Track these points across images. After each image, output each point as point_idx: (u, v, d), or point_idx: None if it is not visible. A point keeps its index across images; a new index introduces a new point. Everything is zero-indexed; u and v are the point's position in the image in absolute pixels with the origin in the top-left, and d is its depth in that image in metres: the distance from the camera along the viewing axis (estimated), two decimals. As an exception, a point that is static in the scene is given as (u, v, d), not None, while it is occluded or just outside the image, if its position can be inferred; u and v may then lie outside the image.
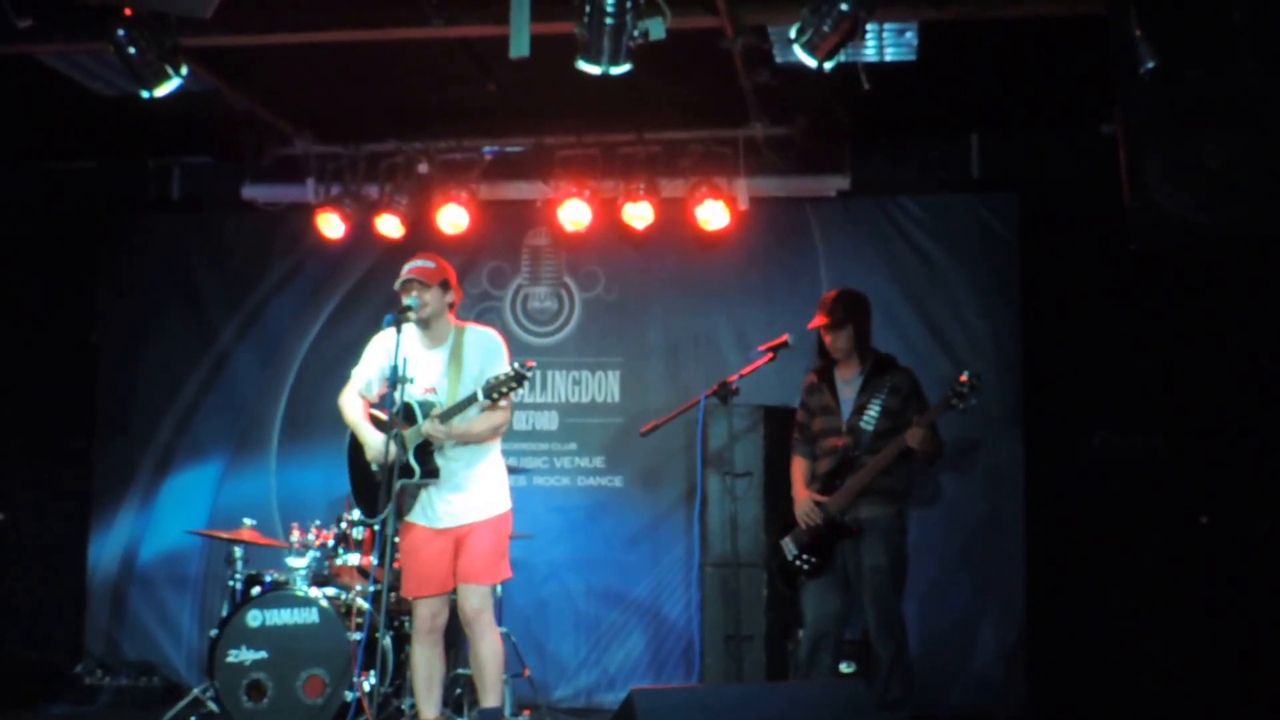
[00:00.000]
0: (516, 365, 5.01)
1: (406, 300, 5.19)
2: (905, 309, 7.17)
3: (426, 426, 5.12)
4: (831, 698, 4.77)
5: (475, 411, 5.21)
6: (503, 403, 5.15)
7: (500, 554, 5.35)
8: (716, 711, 4.44)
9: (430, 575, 5.27)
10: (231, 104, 6.67)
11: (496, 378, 5.02)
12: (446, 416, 5.14)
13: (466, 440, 5.24)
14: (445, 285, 5.31)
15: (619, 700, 5.21)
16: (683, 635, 7.21)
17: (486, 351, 5.30)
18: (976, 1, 5.25)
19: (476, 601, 5.24)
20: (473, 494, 5.30)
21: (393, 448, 5.05)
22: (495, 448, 5.42)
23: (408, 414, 5.16)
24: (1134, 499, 6.61)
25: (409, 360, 5.19)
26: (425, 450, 5.22)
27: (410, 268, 5.27)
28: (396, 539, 6.22)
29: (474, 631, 5.26)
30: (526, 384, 5.04)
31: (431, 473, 5.22)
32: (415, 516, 5.31)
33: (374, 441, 5.28)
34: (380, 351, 5.41)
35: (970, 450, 6.95)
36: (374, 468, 5.31)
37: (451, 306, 5.39)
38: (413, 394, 5.21)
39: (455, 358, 5.29)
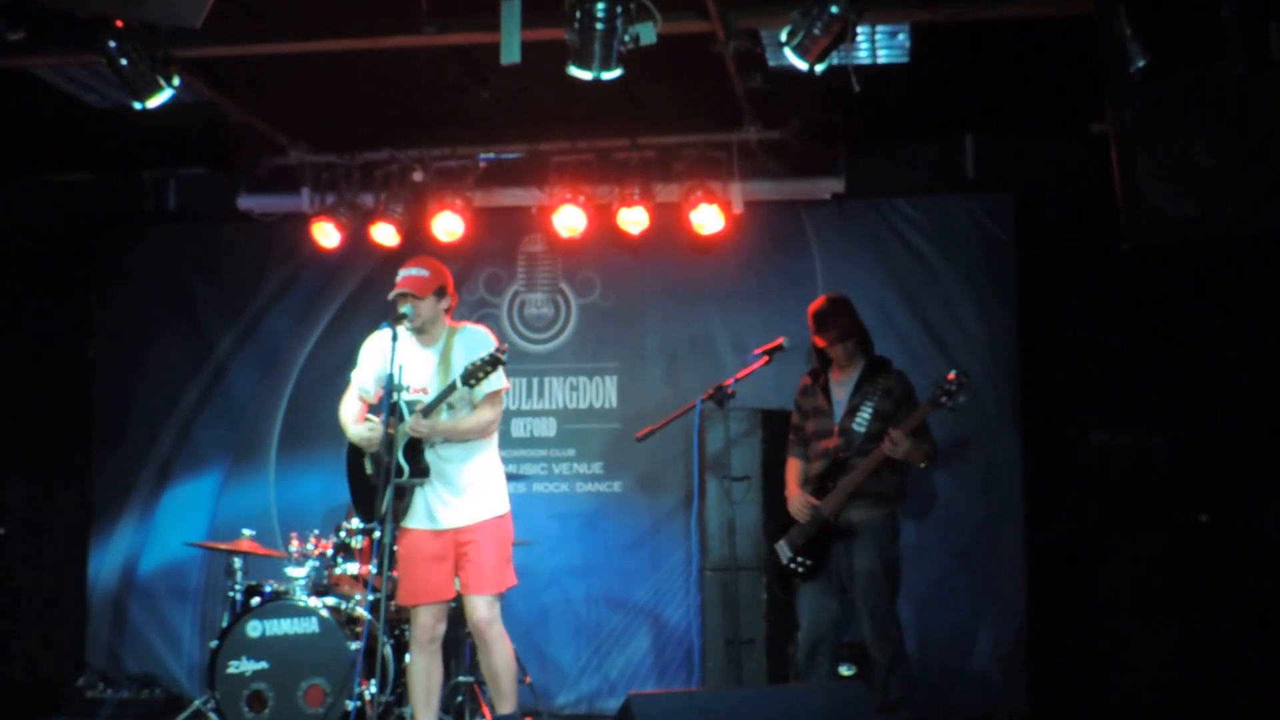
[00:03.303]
0: (491, 350, 5.00)
1: (402, 309, 5.19)
2: (901, 311, 7.18)
3: (411, 423, 5.10)
4: (830, 700, 4.77)
5: (466, 409, 5.21)
6: (495, 385, 5.13)
7: (504, 561, 5.31)
8: (714, 715, 4.44)
9: (429, 582, 5.23)
10: (226, 115, 6.68)
11: (473, 363, 5.00)
12: (428, 411, 5.12)
13: (454, 437, 5.21)
14: (440, 293, 5.26)
15: (621, 706, 5.22)
16: (683, 640, 7.20)
17: (473, 348, 5.22)
18: (967, 2, 5.26)
19: (485, 611, 5.19)
20: (471, 493, 5.26)
21: (389, 446, 5.06)
22: (490, 447, 5.38)
23: (398, 414, 5.15)
24: (1132, 498, 6.62)
25: (404, 362, 5.16)
26: (415, 449, 5.19)
27: (403, 277, 5.23)
28: (395, 546, 6.25)
29: (484, 641, 5.21)
30: (502, 367, 5.04)
31: (421, 472, 5.19)
32: (412, 521, 5.26)
33: (362, 433, 5.29)
34: (375, 355, 5.39)
35: (968, 451, 6.95)
36: (369, 471, 5.32)
37: (448, 311, 5.36)
38: (405, 395, 5.20)
39: (445, 358, 5.27)
